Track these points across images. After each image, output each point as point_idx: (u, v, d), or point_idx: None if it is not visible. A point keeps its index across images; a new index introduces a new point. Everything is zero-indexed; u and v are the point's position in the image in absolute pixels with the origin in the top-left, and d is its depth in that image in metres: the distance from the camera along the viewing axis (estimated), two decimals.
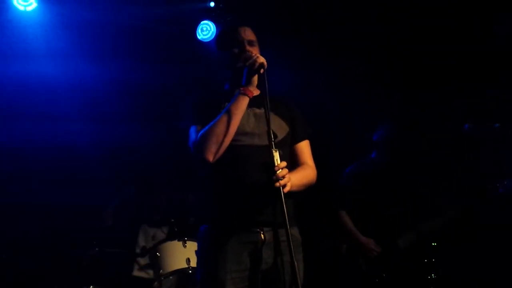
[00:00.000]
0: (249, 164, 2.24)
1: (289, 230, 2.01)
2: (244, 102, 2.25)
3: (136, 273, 4.08)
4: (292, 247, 2.00)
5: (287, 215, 2.05)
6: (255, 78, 2.26)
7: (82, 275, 3.92)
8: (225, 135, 2.20)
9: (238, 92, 2.26)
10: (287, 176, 2.11)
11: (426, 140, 4.13)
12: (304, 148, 2.48)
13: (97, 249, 3.94)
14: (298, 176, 2.28)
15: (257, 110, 2.36)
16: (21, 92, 4.32)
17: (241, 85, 2.27)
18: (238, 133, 2.25)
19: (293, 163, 2.40)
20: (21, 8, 4.13)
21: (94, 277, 3.85)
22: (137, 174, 4.62)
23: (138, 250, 4.09)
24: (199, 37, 4.69)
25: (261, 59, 2.23)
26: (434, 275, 3.61)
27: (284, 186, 2.08)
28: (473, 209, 3.67)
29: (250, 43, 2.41)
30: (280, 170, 2.08)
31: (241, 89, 2.26)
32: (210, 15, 4.63)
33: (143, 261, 4.05)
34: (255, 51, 2.35)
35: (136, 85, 4.57)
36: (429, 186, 3.72)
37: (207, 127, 2.22)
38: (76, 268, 4.04)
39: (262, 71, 2.21)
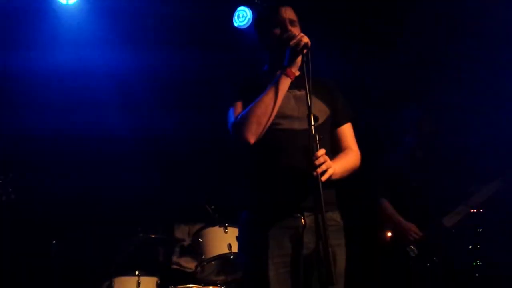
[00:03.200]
0: (289, 148, 2.22)
1: (325, 217, 1.97)
2: (286, 83, 2.20)
3: (174, 266, 4.18)
4: (327, 234, 1.95)
5: (328, 200, 2.03)
6: (299, 59, 2.17)
7: (127, 261, 4.02)
8: (266, 116, 2.16)
9: (280, 73, 2.21)
10: (326, 163, 2.06)
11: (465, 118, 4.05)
12: (347, 131, 2.43)
13: (141, 235, 4.04)
14: (340, 163, 2.23)
15: (298, 92, 2.30)
16: (61, 81, 4.42)
17: (283, 66, 2.21)
18: (278, 116, 2.22)
19: (336, 147, 2.37)
20: (63, 1, 4.22)
21: (139, 262, 3.94)
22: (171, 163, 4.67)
23: (177, 247, 4.17)
24: (235, 24, 4.66)
25: (306, 39, 2.16)
26: (479, 262, 3.54)
27: (322, 173, 2.04)
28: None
29: (292, 23, 2.36)
30: (319, 157, 2.04)
31: (283, 70, 2.20)
32: (247, 1, 4.59)
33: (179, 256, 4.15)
34: (297, 32, 2.28)
35: (172, 73, 4.61)
36: (467, 164, 3.64)
37: (247, 108, 2.20)
38: (121, 254, 4.15)
39: (305, 51, 2.14)
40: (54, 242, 4.22)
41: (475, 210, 3.53)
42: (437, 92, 4.22)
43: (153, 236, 4.05)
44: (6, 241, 4.15)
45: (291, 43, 2.17)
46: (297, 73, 2.25)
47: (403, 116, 3.80)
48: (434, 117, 3.75)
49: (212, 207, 4.09)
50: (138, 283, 3.72)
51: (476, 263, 3.62)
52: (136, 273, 3.76)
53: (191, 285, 3.71)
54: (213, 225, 3.86)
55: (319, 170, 2.03)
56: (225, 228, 3.79)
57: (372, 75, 4.49)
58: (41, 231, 4.28)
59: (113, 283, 3.73)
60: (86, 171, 4.48)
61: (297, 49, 2.16)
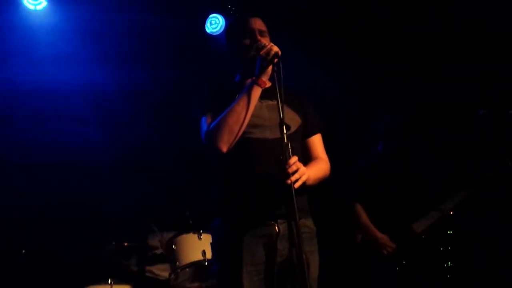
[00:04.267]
0: (261, 157, 2.23)
1: (299, 224, 1.99)
2: (257, 92, 2.21)
3: (148, 274, 4.16)
4: (301, 240, 1.98)
5: (301, 207, 2.05)
6: (269, 68, 2.20)
7: (100, 269, 3.98)
8: (237, 125, 2.17)
9: (251, 82, 2.22)
10: (299, 171, 2.09)
11: (436, 128, 4.12)
12: (317, 141, 2.47)
13: (114, 243, 3.99)
14: (313, 171, 2.27)
15: (270, 102, 2.33)
16: (27, 94, 4.35)
17: (254, 75, 2.22)
18: (250, 125, 2.23)
19: (306, 157, 2.39)
20: (31, 7, 4.15)
21: (112, 271, 3.90)
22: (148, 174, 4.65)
23: (150, 255, 4.16)
24: (208, 31, 4.68)
25: (276, 48, 2.18)
26: (450, 264, 3.60)
27: (295, 181, 2.06)
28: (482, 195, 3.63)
29: (261, 33, 2.39)
30: (291, 166, 2.06)
31: (254, 79, 2.21)
32: (219, 8, 4.61)
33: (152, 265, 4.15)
34: (266, 42, 2.30)
35: (144, 81, 4.59)
36: (439, 173, 3.71)
37: (219, 117, 2.21)
38: (94, 262, 4.10)
39: (276, 60, 2.16)
40: (24, 251, 4.14)
41: (444, 215, 3.59)
42: (413, 100, 4.29)
43: (126, 244, 4.01)
44: None
45: (261, 52, 2.20)
46: (269, 84, 2.26)
47: (378, 123, 3.84)
48: (408, 125, 3.79)
49: (187, 213, 4.08)
50: None
51: (448, 264, 3.68)
52: (109, 281, 3.72)
53: None
54: (187, 232, 3.85)
55: (293, 178, 2.05)
56: (199, 235, 3.79)
57: (347, 83, 4.54)
58: (10, 239, 4.20)
59: None
60: (59, 178, 4.41)
61: (267, 58, 2.18)
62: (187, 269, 3.79)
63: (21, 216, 4.30)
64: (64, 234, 4.38)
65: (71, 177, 4.45)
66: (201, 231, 3.80)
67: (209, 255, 3.66)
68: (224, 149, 2.19)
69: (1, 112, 4.32)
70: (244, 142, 2.23)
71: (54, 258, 4.28)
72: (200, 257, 3.70)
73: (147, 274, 4.17)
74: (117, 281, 3.76)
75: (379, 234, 3.58)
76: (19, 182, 4.33)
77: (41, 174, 4.39)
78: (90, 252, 4.18)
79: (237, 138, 2.20)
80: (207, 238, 3.74)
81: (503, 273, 3.79)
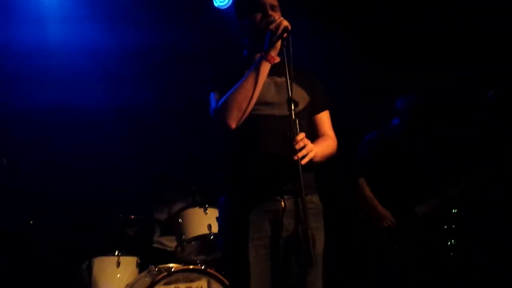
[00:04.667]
0: (269, 134, 2.23)
1: (305, 200, 2.00)
2: (265, 68, 2.19)
3: (156, 245, 4.21)
4: (307, 217, 1.99)
5: (308, 184, 2.06)
6: (279, 43, 2.17)
7: (107, 241, 4.03)
8: (246, 101, 2.17)
9: (260, 58, 2.20)
10: (306, 148, 2.08)
11: (449, 109, 4.08)
12: (325, 118, 2.46)
13: (121, 215, 4.03)
14: (320, 147, 2.26)
15: (278, 79, 2.31)
16: (34, 57, 4.35)
17: (263, 50, 2.20)
18: (258, 102, 2.22)
19: (313, 134, 2.38)
20: None
21: (119, 243, 3.95)
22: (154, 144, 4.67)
23: (157, 227, 4.20)
24: (215, 5, 4.63)
25: (285, 23, 2.15)
26: (454, 241, 3.62)
27: (302, 158, 2.06)
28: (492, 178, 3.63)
29: (273, 7, 2.35)
30: (299, 142, 2.06)
31: (263, 54, 2.19)
32: None
33: (159, 236, 4.19)
34: (277, 16, 2.26)
35: (150, 53, 4.57)
36: (449, 155, 3.69)
37: (228, 94, 2.20)
38: (101, 234, 4.15)
39: (286, 35, 2.14)
40: (31, 222, 4.19)
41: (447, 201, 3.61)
42: (430, 84, 4.24)
43: (132, 217, 4.06)
44: None
45: (271, 26, 2.17)
46: (277, 59, 2.24)
47: (398, 101, 3.81)
48: (426, 108, 3.77)
49: (193, 188, 4.11)
50: (118, 263, 3.74)
51: (451, 242, 3.70)
52: (116, 253, 3.77)
53: (171, 264, 3.73)
54: (193, 206, 3.88)
55: (300, 154, 2.05)
56: (205, 209, 3.82)
57: (348, 81, 4.51)
58: (18, 211, 4.24)
59: (92, 263, 3.74)
60: (66, 152, 4.43)
61: (277, 33, 2.15)
62: (193, 242, 3.83)
63: (28, 187, 4.33)
64: (71, 206, 4.43)
65: (78, 150, 4.47)
66: (207, 205, 3.82)
67: (214, 229, 3.70)
68: (233, 125, 2.19)
69: (5, 74, 4.31)
70: (252, 119, 2.23)
71: (61, 229, 4.34)
72: (206, 231, 3.74)
73: (155, 245, 4.22)
74: (124, 253, 3.82)
75: (382, 208, 3.61)
76: (22, 153, 4.35)
77: (48, 145, 4.41)
78: (97, 224, 4.23)
79: (246, 115, 2.19)
80: (213, 213, 3.77)
81: (504, 271, 3.79)
